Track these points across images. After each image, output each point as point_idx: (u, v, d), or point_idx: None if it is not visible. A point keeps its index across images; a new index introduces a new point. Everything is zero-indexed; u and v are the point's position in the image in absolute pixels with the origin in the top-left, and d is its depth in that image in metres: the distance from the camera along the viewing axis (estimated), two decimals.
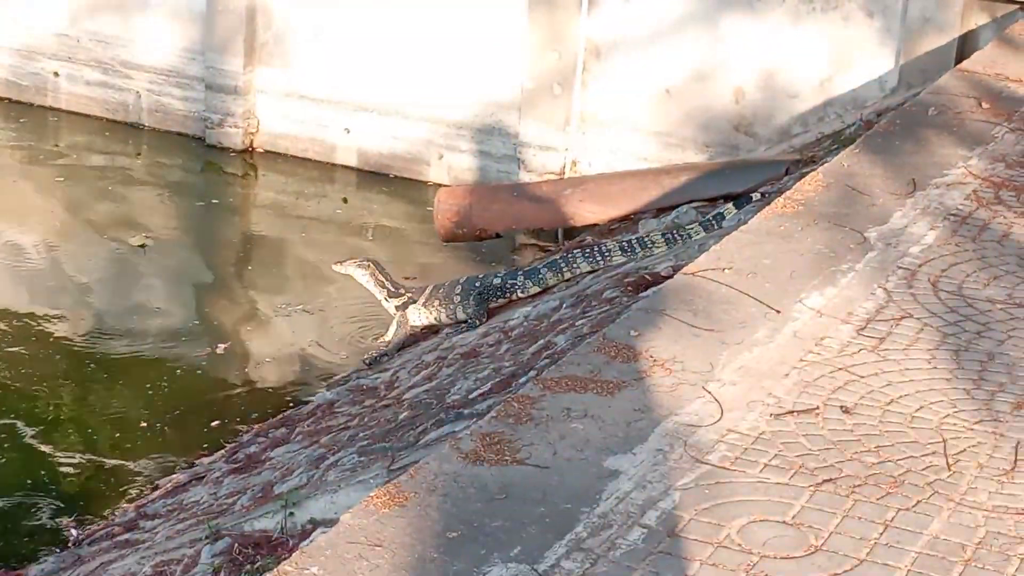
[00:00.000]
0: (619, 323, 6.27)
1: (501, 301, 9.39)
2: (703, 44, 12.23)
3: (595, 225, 10.99)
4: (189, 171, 13.62)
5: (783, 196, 7.73)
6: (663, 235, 9.32)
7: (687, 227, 9.40)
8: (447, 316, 9.50)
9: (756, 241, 7.11)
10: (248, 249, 12.32)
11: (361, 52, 13.26)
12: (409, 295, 9.66)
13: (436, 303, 9.54)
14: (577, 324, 7.83)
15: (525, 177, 12.62)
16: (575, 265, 9.31)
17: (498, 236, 11.30)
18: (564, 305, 8.59)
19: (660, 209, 10.67)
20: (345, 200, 13.09)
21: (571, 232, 11.30)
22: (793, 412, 5.55)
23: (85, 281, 11.22)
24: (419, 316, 9.60)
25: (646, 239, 9.30)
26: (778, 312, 6.36)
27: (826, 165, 8.34)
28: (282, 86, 13.63)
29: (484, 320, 9.23)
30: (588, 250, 9.37)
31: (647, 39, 12.42)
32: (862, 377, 5.87)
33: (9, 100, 14.50)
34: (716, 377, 5.77)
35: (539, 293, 9.31)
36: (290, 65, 13.59)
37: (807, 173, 8.83)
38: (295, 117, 13.62)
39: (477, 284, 9.41)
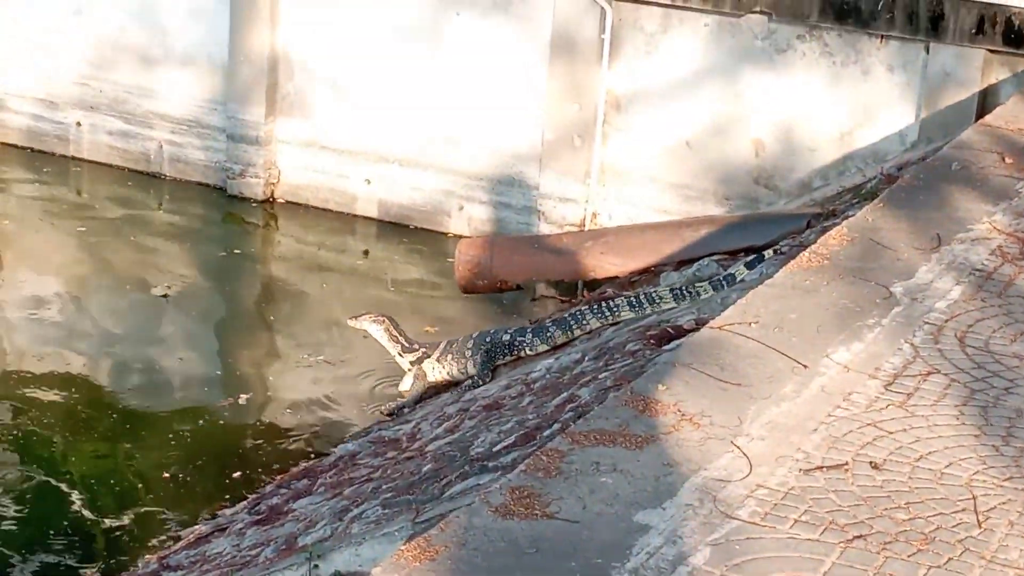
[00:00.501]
0: (646, 376, 6.25)
1: (509, 358, 9.36)
2: (723, 97, 12.27)
3: (616, 277, 10.98)
4: (210, 221, 13.67)
5: (808, 250, 7.72)
6: (671, 290, 9.26)
7: (696, 285, 9.36)
8: (459, 371, 9.49)
9: (782, 295, 7.11)
10: (269, 299, 12.34)
11: (382, 103, 13.32)
12: (424, 350, 9.64)
13: (449, 358, 9.53)
14: (600, 377, 7.81)
15: (545, 229, 12.65)
16: (584, 322, 9.25)
17: (518, 288, 11.31)
18: (587, 357, 8.58)
19: (681, 262, 10.65)
20: (366, 253, 13.11)
21: (591, 284, 11.29)
22: (822, 467, 5.54)
23: (107, 331, 11.24)
24: (434, 371, 9.59)
25: (654, 294, 9.24)
26: (805, 367, 6.35)
27: (850, 219, 8.34)
28: (303, 137, 13.68)
29: (489, 378, 9.20)
30: (596, 306, 9.30)
31: (667, 91, 12.47)
32: (891, 433, 5.85)
33: (31, 149, 14.58)
34: (744, 432, 5.76)
35: (548, 351, 9.27)
36: (311, 116, 13.64)
37: (828, 227, 8.84)
38: (316, 168, 13.67)
39: (487, 340, 9.39)
